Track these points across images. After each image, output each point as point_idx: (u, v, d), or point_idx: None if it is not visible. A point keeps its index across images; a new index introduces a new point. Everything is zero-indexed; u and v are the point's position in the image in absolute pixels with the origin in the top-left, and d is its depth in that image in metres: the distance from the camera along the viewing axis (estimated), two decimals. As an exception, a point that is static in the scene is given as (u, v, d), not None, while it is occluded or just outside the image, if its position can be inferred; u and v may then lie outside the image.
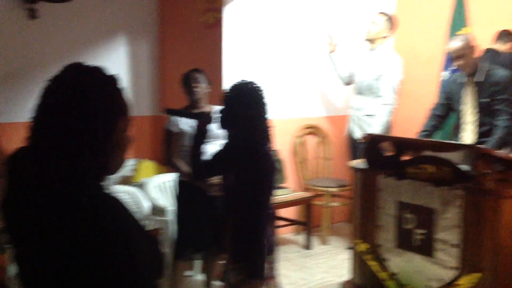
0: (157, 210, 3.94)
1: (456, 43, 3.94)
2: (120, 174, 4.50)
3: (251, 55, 4.78)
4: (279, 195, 4.56)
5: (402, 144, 3.55)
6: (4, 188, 1.29)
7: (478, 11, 4.98)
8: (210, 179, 3.16)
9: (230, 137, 2.61)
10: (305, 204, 4.75)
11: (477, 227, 3.03)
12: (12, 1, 4.45)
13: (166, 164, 3.62)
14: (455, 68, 4.86)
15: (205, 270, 3.65)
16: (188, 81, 3.48)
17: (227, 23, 4.58)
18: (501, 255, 2.97)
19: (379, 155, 3.58)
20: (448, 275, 3.13)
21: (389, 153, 3.59)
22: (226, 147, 2.64)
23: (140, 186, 4.22)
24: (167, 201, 4.00)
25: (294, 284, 3.99)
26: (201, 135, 2.69)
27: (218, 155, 2.65)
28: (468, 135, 3.97)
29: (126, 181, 4.53)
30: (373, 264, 3.47)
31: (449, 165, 3.19)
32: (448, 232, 3.13)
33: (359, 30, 5.14)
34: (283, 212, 4.85)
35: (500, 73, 3.88)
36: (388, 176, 3.41)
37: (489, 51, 4.41)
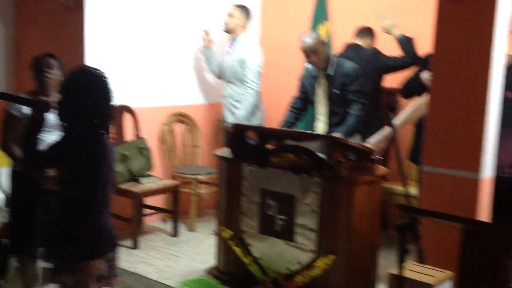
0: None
1: (308, 40, 4.14)
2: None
3: (116, 40, 4.64)
4: (146, 183, 4.51)
5: (265, 134, 3.66)
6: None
7: (339, 5, 5.24)
8: (46, 171, 3.01)
9: (67, 128, 2.43)
10: (173, 192, 4.73)
11: (333, 212, 3.21)
12: None
13: (2, 149, 3.39)
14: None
15: (22, 271, 3.40)
16: (39, 66, 3.28)
17: (89, 6, 4.39)
18: (353, 237, 3.18)
19: (244, 144, 3.67)
20: (306, 257, 3.29)
21: (253, 142, 3.69)
22: (63, 138, 2.43)
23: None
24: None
25: (159, 272, 3.97)
26: (35, 124, 2.45)
27: (54, 146, 2.43)
28: (321, 125, 4.21)
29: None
30: (237, 250, 3.56)
31: (308, 154, 3.35)
32: (306, 217, 3.29)
33: (220, 22, 5.23)
34: (151, 201, 4.80)
35: (348, 66, 4.15)
36: (252, 165, 3.50)
37: (351, 46, 4.66)
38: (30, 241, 3.24)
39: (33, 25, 4.83)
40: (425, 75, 3.82)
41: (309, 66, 5.24)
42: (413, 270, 2.69)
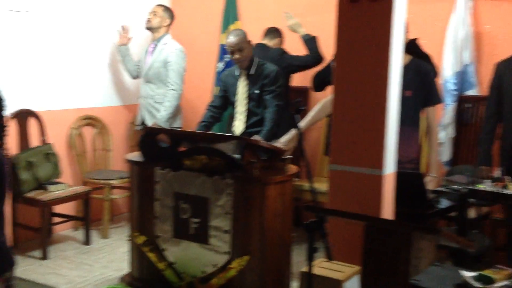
0: None
1: (233, 38, 4.14)
2: None
3: (21, 40, 4.43)
4: (54, 191, 4.34)
5: (177, 136, 3.63)
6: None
7: (248, 6, 5.29)
8: None
9: None
10: (84, 198, 4.59)
11: (246, 212, 3.23)
12: None
13: None
14: (228, 59, 5.12)
15: None
16: None
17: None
18: (267, 237, 3.21)
19: (155, 147, 3.61)
20: (221, 259, 3.29)
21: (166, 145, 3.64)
22: None
23: None
24: None
25: (71, 283, 3.83)
26: None
27: None
28: (239, 124, 4.22)
29: None
30: (151, 255, 3.50)
31: (221, 156, 3.34)
32: (220, 219, 3.28)
33: (139, 19, 5.13)
34: (60, 208, 4.64)
35: (270, 67, 4.20)
36: (165, 168, 3.46)
37: (259, 46, 4.70)
38: None
39: None
40: None
41: (221, 65, 5.27)
42: (323, 267, 2.76)
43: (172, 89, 4.78)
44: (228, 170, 3.27)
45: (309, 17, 4.85)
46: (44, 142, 4.55)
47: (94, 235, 4.74)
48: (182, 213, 3.42)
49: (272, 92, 4.13)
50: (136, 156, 3.70)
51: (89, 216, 4.60)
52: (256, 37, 4.91)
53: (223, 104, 4.38)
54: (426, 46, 4.40)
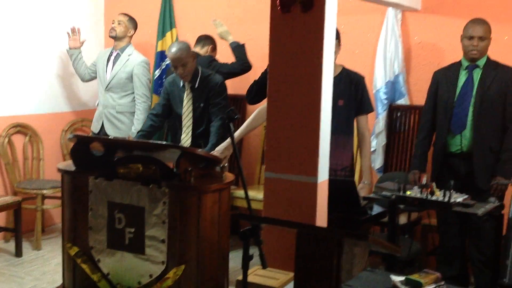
0: None
1: (176, 53, 4.08)
2: None
3: None
4: (-18, 202, 4.19)
5: (111, 145, 3.57)
6: None
7: (184, 13, 5.29)
8: None
9: None
10: (14, 208, 4.44)
11: (183, 221, 3.21)
12: None
13: None
14: (165, 67, 5.10)
15: None
16: None
17: None
18: (203, 246, 3.20)
19: (88, 156, 3.54)
20: (157, 269, 3.25)
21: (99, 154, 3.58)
22: None
23: None
24: None
25: (1, 297, 3.71)
26: None
27: None
28: (185, 137, 4.20)
29: None
30: (84, 267, 3.42)
31: (156, 164, 3.31)
32: (156, 229, 3.25)
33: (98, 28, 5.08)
34: (-12, 220, 4.48)
35: (215, 79, 4.20)
36: (98, 177, 3.39)
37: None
38: None
39: None
40: None
41: (158, 72, 5.24)
42: (259, 274, 2.78)
43: (143, 101, 4.83)
44: (164, 179, 3.25)
45: (245, 26, 4.91)
46: (-29, 151, 4.39)
47: (26, 246, 4.61)
48: (117, 223, 3.36)
49: (217, 104, 4.13)
50: (68, 165, 3.61)
51: (20, 227, 4.46)
52: (192, 44, 4.93)
53: (165, 112, 4.34)
54: (358, 56, 4.56)
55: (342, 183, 3.30)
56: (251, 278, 2.62)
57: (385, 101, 4.50)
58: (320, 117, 2.88)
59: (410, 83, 4.54)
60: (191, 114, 4.18)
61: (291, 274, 2.78)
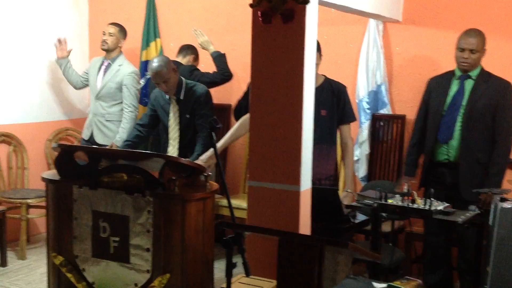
0: None
1: (157, 70, 4.06)
2: None
3: None
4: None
5: (95, 154, 3.58)
6: None
7: (168, 23, 5.32)
8: None
9: None
10: (-2, 218, 4.43)
11: (167, 230, 3.22)
12: None
13: None
14: (150, 76, 5.13)
15: None
16: None
17: None
18: (188, 254, 3.21)
19: (73, 165, 3.54)
20: (142, 278, 3.26)
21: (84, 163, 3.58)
22: None
23: None
24: None
25: (-16, 308, 3.69)
26: None
27: None
28: (172, 149, 4.22)
29: None
30: (69, 276, 3.42)
31: (140, 173, 3.33)
32: (141, 238, 3.26)
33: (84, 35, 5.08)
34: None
35: (199, 90, 4.21)
36: (82, 186, 3.40)
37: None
38: None
39: None
40: None
41: (143, 81, 5.27)
42: (242, 282, 2.81)
43: (130, 111, 4.88)
44: (148, 188, 3.26)
45: (229, 36, 4.95)
46: (-45, 161, 4.37)
47: (11, 256, 4.59)
48: (102, 232, 3.37)
49: (203, 116, 4.14)
50: (53, 174, 3.61)
51: (5, 237, 4.45)
52: (174, 54, 4.96)
53: (151, 123, 4.35)
54: (340, 66, 4.62)
55: (325, 192, 3.34)
56: (234, 286, 2.65)
57: (368, 111, 4.56)
58: (302, 126, 2.92)
59: (392, 93, 4.61)
60: (178, 126, 4.20)
61: (274, 282, 2.81)
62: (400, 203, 3.17)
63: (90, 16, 5.68)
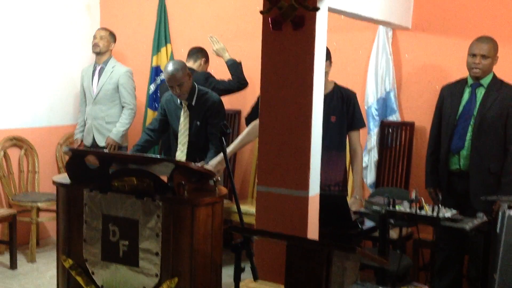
0: None
1: (172, 73, 4.03)
2: None
3: None
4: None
5: (105, 158, 3.61)
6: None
7: (179, 29, 5.36)
8: None
9: None
10: (9, 221, 4.46)
11: (176, 234, 3.25)
12: None
13: None
14: (160, 82, 5.17)
15: None
16: None
17: None
18: (196, 259, 3.24)
19: (83, 169, 3.58)
20: (151, 282, 3.28)
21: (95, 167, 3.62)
22: None
23: None
24: None
25: (-6, 310, 3.72)
26: None
27: None
28: (180, 154, 4.23)
29: None
30: (79, 279, 3.45)
31: (150, 177, 3.36)
32: (150, 242, 3.29)
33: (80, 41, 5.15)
34: (-17, 232, 4.50)
35: (212, 98, 4.21)
36: (93, 190, 3.43)
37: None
38: None
39: None
40: None
41: (153, 87, 5.30)
42: (251, 287, 2.82)
43: (130, 108, 4.97)
44: (158, 192, 3.29)
45: (239, 42, 4.98)
46: (-33, 164, 4.42)
47: (21, 259, 4.63)
48: (111, 236, 3.40)
49: (215, 125, 4.11)
50: (63, 178, 3.65)
51: (15, 240, 4.49)
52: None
53: (161, 127, 4.35)
54: (350, 73, 4.62)
55: (333, 198, 3.35)
56: (242, 291, 2.66)
57: (377, 117, 4.57)
58: (311, 132, 2.93)
59: (401, 100, 4.61)
60: (187, 132, 4.21)
61: (282, 287, 2.82)
62: (408, 210, 3.17)
63: (101, 21, 5.73)
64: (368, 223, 3.61)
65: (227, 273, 3.69)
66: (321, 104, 3.03)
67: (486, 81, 3.75)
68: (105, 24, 5.65)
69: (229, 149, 3.78)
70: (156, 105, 5.18)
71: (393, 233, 4.01)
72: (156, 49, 5.33)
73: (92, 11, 5.66)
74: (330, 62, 3.68)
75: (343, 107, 3.74)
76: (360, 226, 3.48)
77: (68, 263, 3.49)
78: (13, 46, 4.91)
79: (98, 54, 5.05)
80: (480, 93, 3.75)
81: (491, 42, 3.70)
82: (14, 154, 4.95)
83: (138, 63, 5.55)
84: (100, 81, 5.01)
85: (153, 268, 3.28)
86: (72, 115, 5.52)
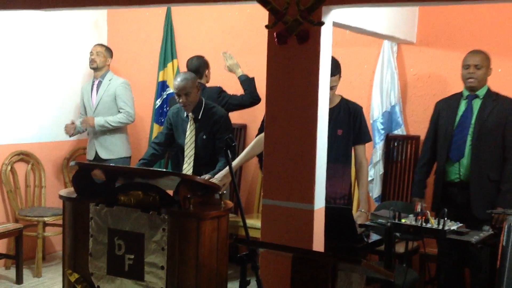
0: None
1: (180, 82, 4.11)
2: None
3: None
4: (-16, 229, 4.23)
5: (112, 172, 3.63)
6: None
7: (186, 44, 5.40)
8: None
9: None
10: (16, 235, 4.47)
11: (182, 248, 3.25)
12: None
13: None
14: (166, 96, 5.20)
15: None
16: None
17: None
18: (202, 273, 3.23)
19: (89, 183, 3.60)
20: (156, 296, 3.28)
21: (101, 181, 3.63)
22: None
23: None
24: None
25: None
26: None
27: None
28: (187, 167, 4.25)
29: None
30: (85, 293, 3.45)
31: (156, 191, 3.37)
32: (156, 255, 3.29)
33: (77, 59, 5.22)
34: (-10, 247, 4.51)
35: (219, 112, 4.24)
36: (99, 204, 3.44)
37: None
38: None
39: None
40: None
41: (159, 102, 5.33)
42: (256, 300, 2.81)
43: (126, 116, 5.02)
44: (164, 206, 3.30)
45: (245, 57, 5.01)
46: (-26, 178, 4.45)
47: (27, 273, 4.63)
48: (117, 250, 3.40)
49: (223, 140, 4.12)
50: (70, 192, 3.67)
51: (22, 254, 4.49)
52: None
53: (167, 141, 4.37)
54: (355, 87, 4.63)
55: (338, 211, 3.34)
56: (248, 304, 2.65)
57: (382, 131, 4.58)
58: (316, 145, 2.94)
59: (406, 114, 4.62)
60: (193, 145, 4.23)
61: (288, 300, 2.81)
62: (413, 223, 3.16)
63: (108, 37, 5.79)
64: (374, 237, 3.60)
65: (233, 287, 3.68)
66: (326, 117, 3.04)
67: (481, 92, 3.82)
68: (112, 40, 5.71)
69: (234, 163, 3.79)
70: (162, 120, 5.21)
71: (400, 247, 3.99)
72: (163, 64, 5.37)
73: (100, 27, 5.72)
74: (340, 76, 3.70)
75: (350, 121, 3.75)
76: (365, 240, 3.47)
77: (74, 277, 3.49)
78: (21, 61, 4.96)
79: (96, 69, 5.13)
80: (477, 103, 3.82)
81: (483, 53, 3.81)
82: (21, 168, 4.97)
83: (145, 78, 5.59)
84: (98, 94, 5.09)
85: (159, 282, 3.28)
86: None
